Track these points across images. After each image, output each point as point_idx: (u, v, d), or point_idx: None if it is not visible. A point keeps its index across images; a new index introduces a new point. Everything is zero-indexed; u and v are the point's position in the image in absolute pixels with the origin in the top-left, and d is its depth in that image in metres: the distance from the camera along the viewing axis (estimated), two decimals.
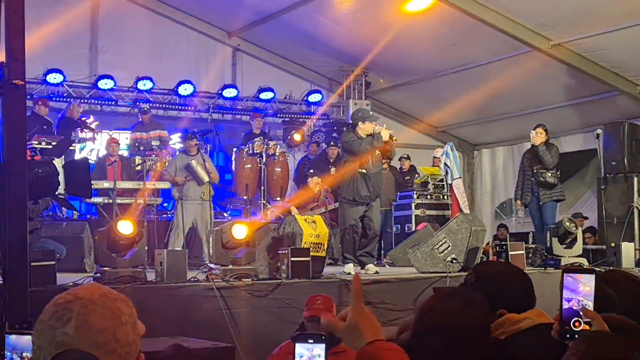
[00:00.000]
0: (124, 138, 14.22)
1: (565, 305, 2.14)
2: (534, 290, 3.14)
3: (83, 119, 13.53)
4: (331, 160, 14.16)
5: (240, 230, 8.00)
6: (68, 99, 13.78)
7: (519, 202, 11.82)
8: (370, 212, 9.87)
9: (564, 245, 10.25)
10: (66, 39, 14.40)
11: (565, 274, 2.19)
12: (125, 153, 13.67)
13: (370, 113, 10.43)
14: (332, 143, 14.95)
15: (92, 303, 1.91)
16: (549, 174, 11.28)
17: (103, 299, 1.93)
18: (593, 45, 12.61)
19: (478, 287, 3.10)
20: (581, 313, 2.12)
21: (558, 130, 14.62)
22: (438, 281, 8.51)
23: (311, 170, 13.52)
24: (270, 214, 12.48)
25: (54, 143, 10.18)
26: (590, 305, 2.13)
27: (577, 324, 2.13)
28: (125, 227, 7.47)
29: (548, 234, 10.32)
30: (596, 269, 2.34)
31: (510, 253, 9.71)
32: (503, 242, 10.95)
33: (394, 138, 10.13)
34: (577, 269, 2.22)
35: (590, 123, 14.41)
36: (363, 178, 9.82)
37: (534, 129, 11.46)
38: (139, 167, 12.69)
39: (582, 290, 2.15)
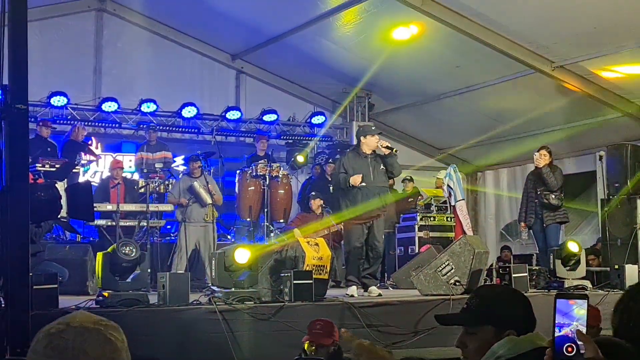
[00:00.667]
0: (128, 160, 14.27)
1: (558, 331, 2.14)
2: (533, 313, 3.13)
3: (89, 142, 13.58)
4: (329, 179, 14.10)
5: (242, 255, 7.99)
6: (72, 122, 13.84)
7: (522, 224, 11.79)
8: (372, 232, 9.81)
9: (568, 268, 10.21)
10: (70, 62, 14.53)
11: (557, 299, 2.18)
12: (129, 175, 13.71)
13: (372, 128, 10.42)
14: (330, 160, 14.95)
15: (86, 331, 1.91)
16: (553, 196, 11.27)
17: (96, 326, 1.93)
18: (595, 67, 12.63)
19: (479, 309, 3.09)
20: (576, 339, 2.12)
21: (561, 152, 14.62)
22: (441, 304, 8.48)
23: (313, 193, 13.51)
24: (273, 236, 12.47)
25: (57, 166, 10.23)
26: (583, 330, 2.13)
27: (569, 349, 2.12)
28: (129, 249, 7.46)
29: (552, 256, 10.29)
30: (587, 294, 2.32)
31: (513, 275, 9.66)
32: (507, 264, 10.92)
33: (395, 150, 10.09)
34: (570, 294, 2.21)
35: (593, 145, 14.42)
36: (361, 192, 9.83)
37: (538, 151, 11.45)
38: (142, 190, 12.70)
39: (576, 314, 2.14)
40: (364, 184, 9.79)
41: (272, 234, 13.59)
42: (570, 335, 2.13)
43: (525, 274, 9.82)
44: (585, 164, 15.15)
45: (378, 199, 9.82)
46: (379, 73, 14.83)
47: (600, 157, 12.36)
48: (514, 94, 14.10)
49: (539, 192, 11.37)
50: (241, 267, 7.96)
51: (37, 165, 10.31)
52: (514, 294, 3.22)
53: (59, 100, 13.79)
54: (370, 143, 9.95)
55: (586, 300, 2.16)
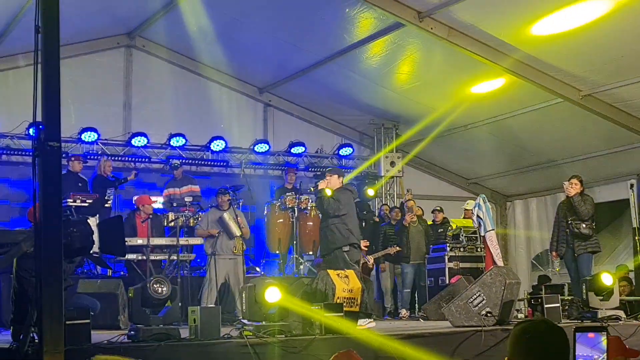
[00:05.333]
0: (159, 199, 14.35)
1: None
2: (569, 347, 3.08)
3: (123, 179, 13.62)
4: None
5: (273, 294, 7.99)
6: (102, 157, 13.91)
7: (554, 253, 11.70)
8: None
9: (601, 297, 10.08)
10: (100, 98, 14.70)
11: (577, 333, 2.16)
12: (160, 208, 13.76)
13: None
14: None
15: None
16: (584, 225, 11.16)
17: None
18: (624, 95, 12.57)
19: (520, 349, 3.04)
20: None
21: (591, 181, 14.50)
22: (473, 335, 8.41)
23: None
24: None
25: (89, 201, 10.30)
26: None
27: None
28: (161, 286, 7.46)
29: (584, 286, 10.17)
30: (608, 324, 2.29)
31: (545, 306, 9.56)
32: (538, 295, 10.81)
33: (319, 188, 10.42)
34: (588, 327, 2.20)
35: (624, 173, 14.31)
36: None
37: (569, 180, 11.37)
38: (172, 224, 12.73)
39: (597, 347, 2.12)
40: None
41: (301, 266, 13.58)
42: None
43: (558, 305, 9.70)
44: (616, 192, 15.01)
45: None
46: (405, 103, 14.86)
47: (632, 186, 12.25)
48: (542, 122, 14.04)
49: (570, 222, 11.27)
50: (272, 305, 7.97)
51: (68, 200, 10.40)
52: (551, 330, 3.17)
53: (89, 136, 13.94)
54: None
55: (605, 333, 2.15)
